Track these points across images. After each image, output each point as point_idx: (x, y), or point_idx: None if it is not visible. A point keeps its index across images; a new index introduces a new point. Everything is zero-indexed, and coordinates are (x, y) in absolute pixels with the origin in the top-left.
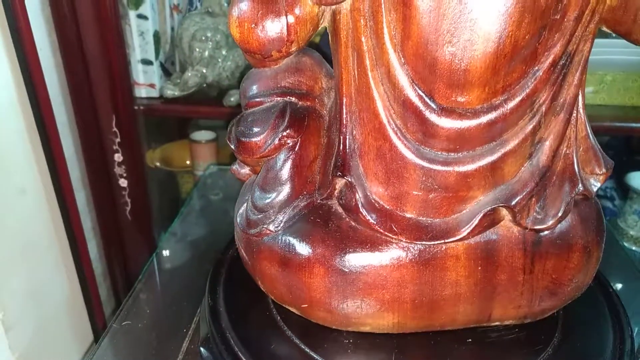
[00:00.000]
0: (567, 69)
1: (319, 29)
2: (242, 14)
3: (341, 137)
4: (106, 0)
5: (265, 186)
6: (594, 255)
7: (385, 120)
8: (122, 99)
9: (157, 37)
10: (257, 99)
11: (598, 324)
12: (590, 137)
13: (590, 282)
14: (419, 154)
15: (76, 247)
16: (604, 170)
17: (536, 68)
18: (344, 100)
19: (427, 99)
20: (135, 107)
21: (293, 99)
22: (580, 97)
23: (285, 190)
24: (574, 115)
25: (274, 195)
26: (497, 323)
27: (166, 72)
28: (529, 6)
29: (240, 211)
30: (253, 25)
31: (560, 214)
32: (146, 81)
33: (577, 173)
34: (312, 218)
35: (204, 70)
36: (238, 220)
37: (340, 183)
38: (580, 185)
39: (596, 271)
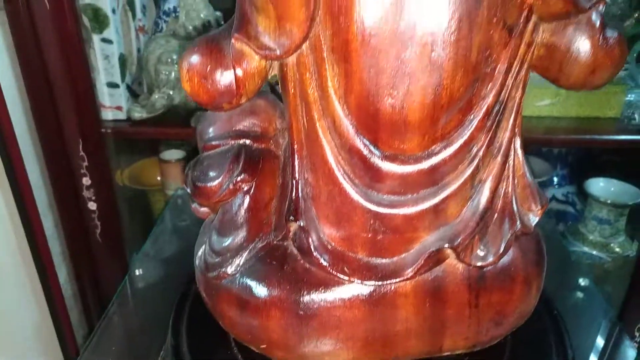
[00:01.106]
0: (501, 115)
1: (270, 77)
2: (192, 67)
3: (294, 182)
4: (69, 25)
5: (222, 230)
6: (534, 285)
7: (334, 166)
8: (88, 123)
9: (122, 59)
10: (213, 142)
11: (543, 346)
12: (528, 175)
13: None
14: (367, 198)
15: (44, 272)
16: (539, 207)
17: (472, 116)
18: (295, 147)
19: (371, 147)
20: (103, 130)
21: (248, 142)
22: (516, 139)
23: (242, 234)
24: (511, 156)
25: (230, 239)
26: (448, 353)
27: (133, 94)
28: (461, 62)
29: (199, 254)
30: (203, 80)
31: (501, 251)
32: (113, 104)
33: (516, 211)
34: (268, 260)
35: (171, 92)
36: (197, 263)
37: (294, 226)
38: (518, 222)
39: (539, 296)
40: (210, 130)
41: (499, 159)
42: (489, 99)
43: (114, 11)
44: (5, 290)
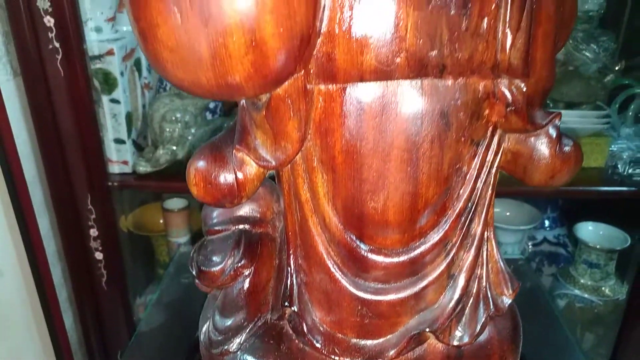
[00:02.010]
0: (473, 213)
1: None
2: (198, 173)
3: (288, 269)
4: (81, 88)
5: (224, 311)
6: None
7: (325, 257)
8: (96, 177)
9: (129, 117)
10: (216, 227)
11: None
12: (500, 262)
13: None
14: (355, 286)
15: (51, 318)
16: (511, 291)
17: (446, 217)
18: (290, 236)
19: (358, 242)
20: (109, 184)
21: (247, 227)
22: (488, 228)
23: (242, 315)
24: (484, 245)
25: (231, 320)
26: None
27: (138, 147)
28: (434, 174)
29: (204, 329)
30: (208, 185)
31: (477, 332)
32: (119, 158)
33: (490, 296)
34: (266, 339)
35: (175, 148)
36: (202, 338)
37: (289, 310)
38: (492, 306)
39: None
40: (214, 215)
41: (472, 250)
42: (461, 202)
43: (122, 74)
44: (13, 334)
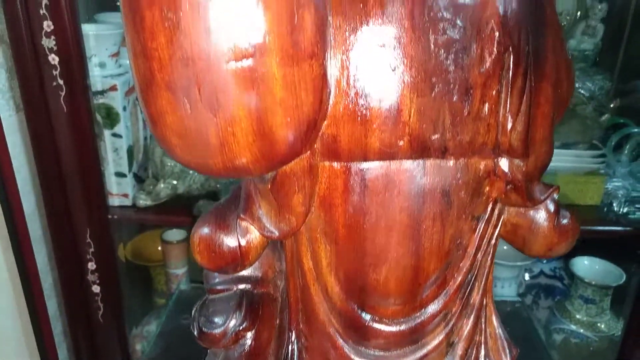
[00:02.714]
0: (473, 283)
1: None
2: (202, 241)
3: (289, 333)
4: (83, 123)
5: None
6: None
7: (327, 324)
8: (96, 211)
9: (130, 151)
10: (218, 287)
11: None
12: (498, 329)
13: None
14: (356, 353)
15: (45, 352)
16: (509, 357)
17: (446, 289)
18: (292, 301)
19: (359, 311)
20: (109, 216)
21: (249, 287)
22: (487, 295)
23: None
24: (483, 312)
25: None
26: None
27: (139, 180)
28: (435, 250)
29: None
30: (212, 253)
31: None
32: (120, 192)
33: None
34: None
35: (175, 182)
36: None
37: None
38: None
39: None
40: (216, 274)
41: (471, 318)
42: (462, 274)
43: (124, 108)
44: None
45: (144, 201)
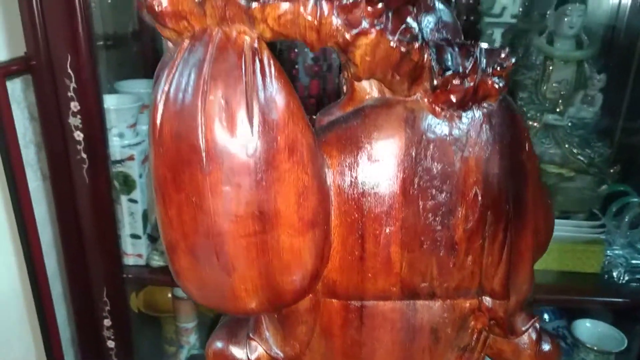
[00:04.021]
0: None
1: None
2: (215, 356)
3: None
4: (102, 191)
5: None
6: None
7: None
8: (112, 272)
9: (145, 215)
10: None
11: None
12: None
13: None
14: None
15: None
16: None
17: None
18: None
19: None
20: (124, 276)
21: None
22: None
23: None
24: None
25: None
26: None
27: (152, 239)
28: None
29: None
30: None
31: None
32: (134, 252)
33: None
34: None
35: None
36: None
37: None
38: None
39: None
40: None
41: None
42: None
43: (140, 176)
44: None
45: (157, 262)
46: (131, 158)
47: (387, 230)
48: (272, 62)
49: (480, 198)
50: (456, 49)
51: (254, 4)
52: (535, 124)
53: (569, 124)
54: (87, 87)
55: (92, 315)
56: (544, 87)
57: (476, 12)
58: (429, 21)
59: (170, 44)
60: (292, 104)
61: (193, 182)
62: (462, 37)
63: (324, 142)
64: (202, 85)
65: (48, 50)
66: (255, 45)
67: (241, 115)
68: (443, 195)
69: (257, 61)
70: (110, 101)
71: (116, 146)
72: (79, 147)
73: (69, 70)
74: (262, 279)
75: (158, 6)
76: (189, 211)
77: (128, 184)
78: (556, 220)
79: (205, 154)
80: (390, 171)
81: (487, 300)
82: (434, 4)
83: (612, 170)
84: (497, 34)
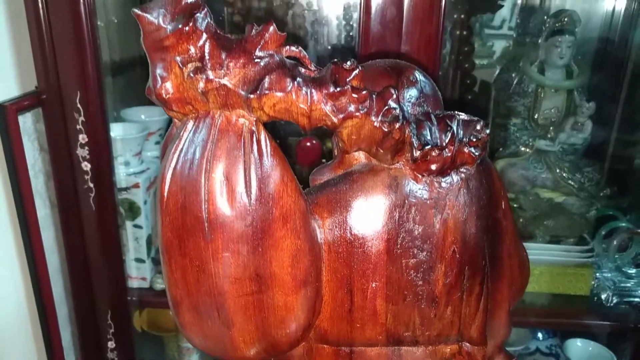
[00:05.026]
0: None
1: None
2: None
3: None
4: (108, 218)
5: None
6: None
7: None
8: (117, 295)
9: (149, 239)
10: None
11: None
12: None
13: None
14: None
15: None
16: None
17: None
18: None
19: None
20: (128, 298)
21: None
22: None
23: None
24: None
25: None
26: None
27: (156, 263)
28: None
29: None
30: None
31: None
32: (139, 275)
33: None
34: None
35: None
36: None
37: None
38: None
39: None
40: None
41: None
42: None
43: (145, 202)
44: None
45: (160, 284)
46: (136, 186)
47: (374, 285)
48: (268, 141)
49: (458, 255)
50: (435, 123)
51: (252, 95)
52: (527, 150)
53: (560, 150)
54: (95, 121)
55: (97, 337)
56: (536, 114)
57: (471, 62)
58: (410, 95)
59: (176, 121)
60: (286, 177)
61: (196, 249)
62: (442, 107)
63: (316, 204)
64: (206, 164)
65: (58, 85)
66: (253, 128)
67: (240, 190)
68: (424, 253)
69: (255, 141)
70: (116, 130)
71: (122, 174)
72: (86, 177)
73: (78, 105)
74: (259, 332)
75: (166, 94)
76: (192, 273)
77: (133, 210)
78: (547, 245)
79: (207, 225)
80: (376, 232)
81: (467, 345)
82: (416, 79)
83: (601, 194)
84: (497, 46)
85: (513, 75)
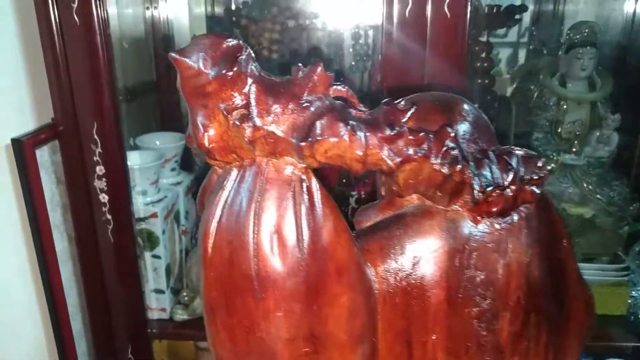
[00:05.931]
0: None
1: None
2: None
3: None
4: (127, 250)
5: None
6: None
7: None
8: (137, 329)
9: (168, 269)
10: None
11: None
12: None
13: None
14: None
15: None
16: None
17: None
18: None
19: None
20: (148, 330)
21: None
22: None
23: None
24: None
25: None
26: None
27: (175, 292)
28: None
29: None
30: None
31: None
32: (158, 306)
33: None
34: None
35: None
36: None
37: None
38: None
39: None
40: None
41: None
42: None
43: (163, 232)
44: None
45: (180, 315)
46: (154, 215)
47: (434, 337)
48: (319, 189)
49: (523, 302)
50: (494, 161)
51: (303, 143)
52: (552, 165)
53: (586, 163)
54: (113, 152)
55: None
56: (559, 128)
57: (491, 78)
58: (465, 132)
59: (219, 170)
60: (339, 227)
61: (246, 308)
62: (495, 138)
63: (367, 251)
64: (253, 217)
65: (75, 116)
66: (303, 176)
67: (292, 244)
68: (487, 301)
69: (305, 190)
70: (133, 159)
71: (139, 203)
72: (104, 208)
73: (95, 136)
74: None
75: (209, 143)
76: (241, 334)
77: (152, 240)
78: (580, 264)
79: (257, 282)
80: (435, 280)
81: None
82: (467, 112)
83: (631, 208)
84: (503, 54)
85: (532, 87)
